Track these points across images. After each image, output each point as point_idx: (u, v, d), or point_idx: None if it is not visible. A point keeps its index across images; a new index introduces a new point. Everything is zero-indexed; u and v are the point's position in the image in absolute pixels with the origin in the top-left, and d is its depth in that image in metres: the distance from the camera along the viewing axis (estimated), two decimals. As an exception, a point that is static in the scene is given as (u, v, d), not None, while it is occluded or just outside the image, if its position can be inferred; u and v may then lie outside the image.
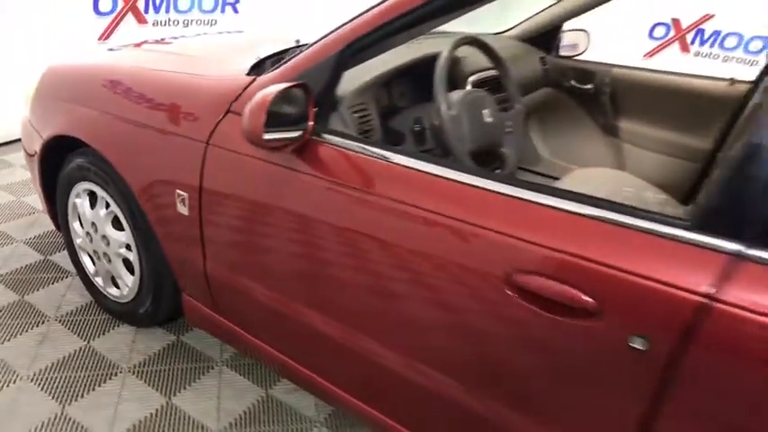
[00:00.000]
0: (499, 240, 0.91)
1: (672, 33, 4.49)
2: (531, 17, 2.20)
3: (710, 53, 4.40)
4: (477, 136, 1.34)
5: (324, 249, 1.17)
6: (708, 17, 4.32)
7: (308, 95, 1.12)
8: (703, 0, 4.29)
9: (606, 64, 2.16)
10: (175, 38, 2.50)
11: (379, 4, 1.09)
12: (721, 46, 4.35)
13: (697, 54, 4.45)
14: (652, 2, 4.42)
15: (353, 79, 1.33)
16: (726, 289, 0.75)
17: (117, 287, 1.79)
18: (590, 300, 0.83)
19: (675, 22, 4.45)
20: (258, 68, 1.39)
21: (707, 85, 1.95)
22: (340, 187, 1.11)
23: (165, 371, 1.66)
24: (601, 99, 2.16)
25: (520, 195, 0.92)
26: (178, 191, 1.38)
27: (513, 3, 2.42)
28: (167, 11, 3.60)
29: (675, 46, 4.51)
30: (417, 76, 1.52)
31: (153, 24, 3.57)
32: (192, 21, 3.72)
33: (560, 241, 0.86)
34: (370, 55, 1.16)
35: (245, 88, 1.27)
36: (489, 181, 0.96)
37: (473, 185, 0.97)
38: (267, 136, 1.05)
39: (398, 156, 1.07)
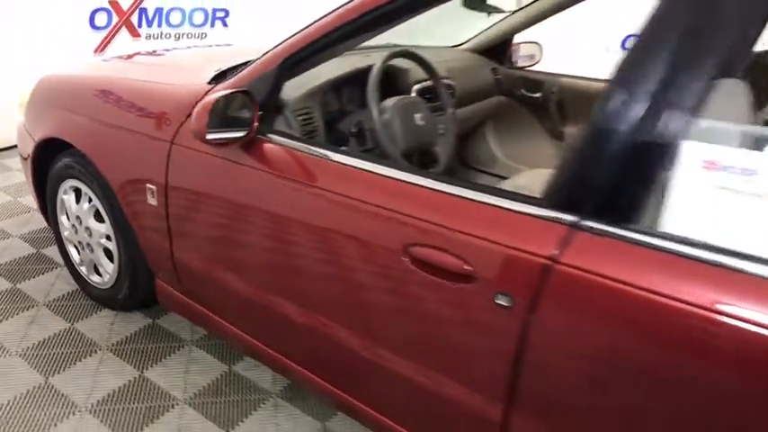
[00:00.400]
0: (402, 219, 1.10)
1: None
2: (483, 31, 2.40)
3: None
4: (409, 137, 1.52)
5: (268, 236, 1.36)
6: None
7: (252, 101, 1.32)
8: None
9: (553, 74, 2.35)
10: (168, 50, 2.71)
11: (309, 26, 1.28)
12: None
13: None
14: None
15: (300, 86, 1.52)
16: (565, 253, 0.93)
17: (99, 275, 1.98)
18: (466, 266, 1.02)
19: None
20: (221, 78, 1.59)
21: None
22: (281, 180, 1.30)
23: (139, 349, 1.84)
24: (548, 106, 2.35)
25: (420, 183, 1.11)
26: (148, 185, 1.57)
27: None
28: (159, 25, 3.83)
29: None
30: (365, 84, 1.72)
31: (146, 38, 3.79)
32: (183, 34, 3.95)
33: (445, 219, 1.05)
34: (306, 67, 1.36)
35: (205, 95, 1.46)
36: (397, 171, 1.15)
37: (385, 176, 1.15)
38: (210, 136, 1.25)
39: (332, 153, 1.26)
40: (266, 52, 1.38)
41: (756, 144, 0.89)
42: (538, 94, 2.36)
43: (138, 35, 3.77)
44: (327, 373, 1.41)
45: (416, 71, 1.87)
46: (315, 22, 1.29)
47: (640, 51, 0.91)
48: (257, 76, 1.36)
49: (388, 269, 1.14)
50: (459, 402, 1.13)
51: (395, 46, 1.99)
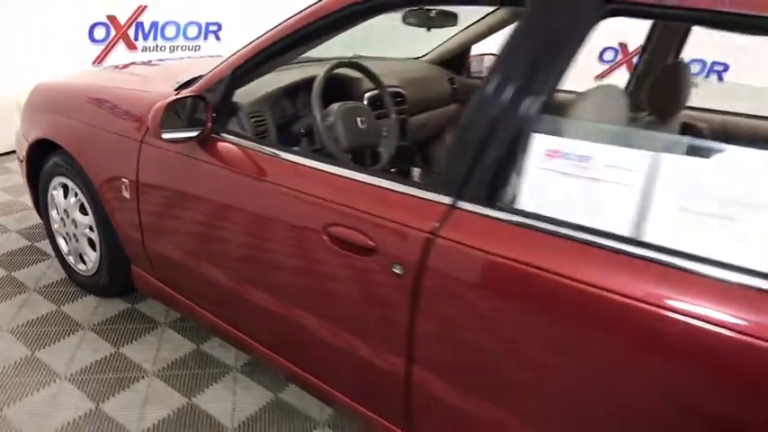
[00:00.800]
0: (323, 204, 1.29)
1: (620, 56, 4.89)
2: (441, 44, 2.60)
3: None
4: (351, 138, 1.72)
5: (222, 225, 1.56)
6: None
7: (206, 104, 1.52)
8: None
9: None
10: (162, 60, 2.94)
11: (255, 40, 1.49)
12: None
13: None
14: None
15: (254, 92, 1.73)
16: (443, 228, 1.12)
17: (84, 263, 2.19)
18: (370, 241, 1.21)
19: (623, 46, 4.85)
20: (188, 85, 1.80)
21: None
22: (233, 174, 1.50)
23: (117, 329, 2.05)
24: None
25: (338, 173, 1.31)
26: (123, 179, 1.78)
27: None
28: (155, 38, 4.08)
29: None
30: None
31: (142, 50, 4.04)
32: (177, 47, 4.19)
33: (355, 202, 1.24)
34: (254, 76, 1.57)
35: (169, 100, 1.68)
36: (325, 164, 1.35)
37: (317, 169, 1.35)
38: (167, 135, 1.45)
39: (276, 150, 1.46)
40: (219, 63, 1.59)
41: (598, 138, 1.08)
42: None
43: (135, 48, 4.01)
44: (279, 347, 1.59)
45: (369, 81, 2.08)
46: (259, 37, 1.50)
47: (499, 70, 1.11)
48: (212, 83, 1.57)
49: (313, 248, 1.33)
50: (373, 361, 1.31)
51: (361, 58, 2.21)
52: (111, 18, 3.82)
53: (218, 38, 4.36)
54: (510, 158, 1.08)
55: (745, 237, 0.86)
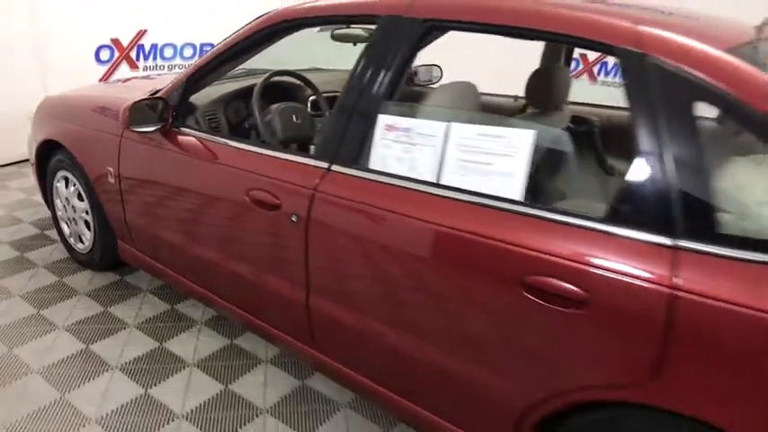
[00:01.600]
0: (247, 175, 1.72)
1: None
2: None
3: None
4: (287, 131, 2.15)
5: (184, 200, 2.00)
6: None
7: (167, 105, 1.97)
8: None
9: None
10: (160, 74, 3.41)
11: (203, 56, 1.94)
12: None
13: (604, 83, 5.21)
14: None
15: (210, 96, 2.18)
16: (321, 185, 1.53)
17: (82, 242, 2.64)
18: (276, 200, 1.63)
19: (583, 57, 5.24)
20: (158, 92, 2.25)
21: (501, 102, 2.74)
22: (188, 158, 1.94)
23: (107, 294, 2.49)
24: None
25: (259, 152, 1.74)
26: (108, 168, 2.24)
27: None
28: (155, 58, 4.59)
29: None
30: (269, 93, 2.37)
31: (143, 69, 4.55)
32: (175, 66, 4.70)
33: (267, 171, 1.67)
34: (206, 83, 2.02)
35: (143, 103, 2.13)
36: (251, 146, 1.78)
37: (246, 150, 1.78)
38: (136, 128, 1.91)
39: (220, 139, 1.90)
40: (180, 73, 2.04)
41: (417, 115, 1.49)
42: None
43: (137, 67, 4.53)
44: (230, 298, 2.01)
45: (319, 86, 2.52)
46: (207, 54, 1.95)
47: (358, 72, 1.53)
48: (173, 89, 2.02)
49: (240, 209, 1.76)
50: (285, 294, 1.72)
51: (320, 70, 2.67)
52: (115, 41, 4.35)
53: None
54: (365, 133, 1.50)
55: (492, 175, 1.27)
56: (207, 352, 2.15)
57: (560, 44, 2.04)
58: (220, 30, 4.82)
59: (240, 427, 1.80)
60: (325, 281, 1.61)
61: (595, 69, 5.25)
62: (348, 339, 1.64)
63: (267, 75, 2.20)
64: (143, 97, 1.98)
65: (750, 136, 1.11)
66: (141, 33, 4.48)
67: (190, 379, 2.00)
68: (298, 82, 2.45)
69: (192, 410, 1.85)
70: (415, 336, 1.44)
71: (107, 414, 1.82)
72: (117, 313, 2.36)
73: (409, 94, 2.27)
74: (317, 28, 2.33)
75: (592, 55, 5.20)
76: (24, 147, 2.89)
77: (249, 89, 2.30)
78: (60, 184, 2.63)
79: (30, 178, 3.85)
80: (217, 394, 1.93)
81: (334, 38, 2.26)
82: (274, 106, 2.18)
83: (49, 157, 2.64)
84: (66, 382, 1.95)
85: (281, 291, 1.75)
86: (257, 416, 1.84)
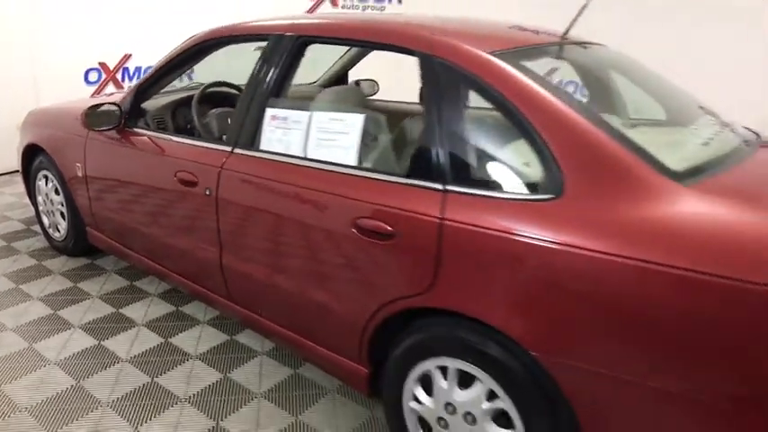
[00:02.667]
0: (176, 160, 2.16)
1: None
2: (327, 70, 3.50)
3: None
4: (222, 131, 2.60)
5: (135, 187, 2.44)
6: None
7: (120, 109, 2.43)
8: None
9: (382, 100, 3.40)
10: None
11: (150, 70, 2.41)
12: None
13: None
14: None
15: (159, 103, 2.64)
16: (226, 163, 1.97)
17: (59, 232, 3.09)
18: (194, 178, 2.07)
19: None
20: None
21: (390, 105, 3.17)
22: (138, 151, 2.38)
23: (78, 273, 2.93)
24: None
25: (187, 143, 2.18)
26: (77, 164, 2.69)
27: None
28: (139, 78, 5.09)
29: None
30: (212, 100, 2.82)
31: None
32: (157, 86, 5.19)
33: (190, 156, 2.11)
34: (152, 92, 2.48)
35: (104, 109, 2.60)
36: (183, 139, 2.23)
37: (179, 142, 2.23)
38: (95, 128, 2.37)
39: (162, 134, 2.35)
40: (133, 85, 2.51)
41: (293, 106, 1.93)
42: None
43: (123, 87, 5.03)
44: (177, 270, 2.42)
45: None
46: (151, 68, 2.42)
47: (253, 79, 1.98)
48: (126, 98, 2.48)
49: (171, 188, 2.20)
50: (208, 257, 2.14)
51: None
52: (102, 64, 4.87)
53: (190, 78, 5.35)
54: (257, 122, 1.94)
55: (336, 148, 1.70)
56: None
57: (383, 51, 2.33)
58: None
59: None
60: (231, 240, 2.03)
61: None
62: (249, 288, 2.05)
63: (204, 86, 2.66)
64: (98, 102, 2.44)
65: (501, 119, 1.52)
66: (126, 57, 4.99)
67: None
68: (235, 91, 2.91)
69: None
70: (291, 277, 1.86)
71: (65, 358, 2.24)
72: (84, 287, 2.79)
73: (300, 93, 2.66)
74: (255, 45, 2.80)
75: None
76: (13, 158, 3.36)
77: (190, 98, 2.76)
78: (41, 182, 3.08)
79: (19, 185, 4.32)
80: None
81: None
82: (213, 111, 2.63)
83: (32, 160, 3.10)
84: (34, 336, 2.37)
85: (206, 255, 2.17)
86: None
